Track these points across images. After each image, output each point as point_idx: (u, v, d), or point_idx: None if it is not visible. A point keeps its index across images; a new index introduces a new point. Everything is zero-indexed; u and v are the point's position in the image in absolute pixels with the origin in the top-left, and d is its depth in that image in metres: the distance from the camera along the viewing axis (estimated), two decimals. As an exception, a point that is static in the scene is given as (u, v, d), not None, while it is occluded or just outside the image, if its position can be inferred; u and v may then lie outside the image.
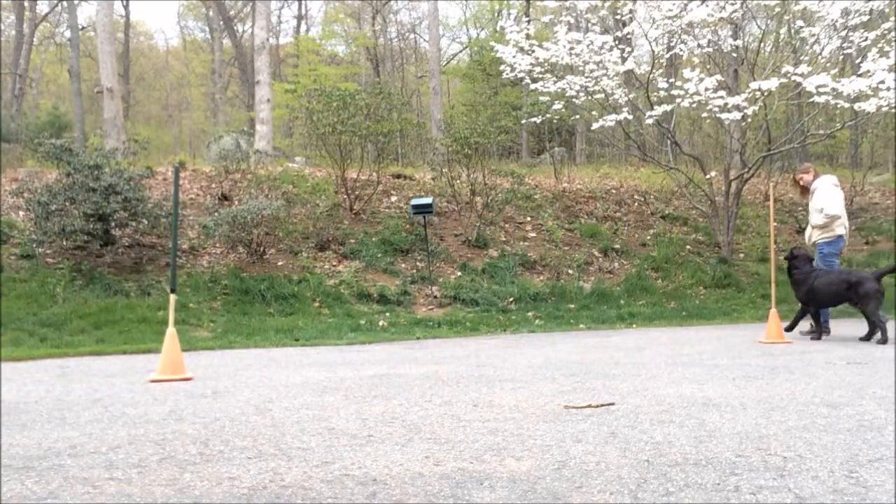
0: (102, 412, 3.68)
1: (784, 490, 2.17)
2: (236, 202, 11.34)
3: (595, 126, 12.45)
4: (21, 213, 10.46)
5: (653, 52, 12.69)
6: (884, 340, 6.87)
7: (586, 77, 11.81)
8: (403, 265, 11.14)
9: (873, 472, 2.37)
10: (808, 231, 8.25)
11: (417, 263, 11.21)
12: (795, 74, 10.68)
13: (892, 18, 11.27)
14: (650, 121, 12.03)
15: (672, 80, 12.08)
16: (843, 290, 7.24)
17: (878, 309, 7.17)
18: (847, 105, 11.05)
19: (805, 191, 8.32)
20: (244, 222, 9.93)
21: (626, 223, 13.90)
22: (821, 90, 10.49)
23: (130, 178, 9.80)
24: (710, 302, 11.14)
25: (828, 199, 7.90)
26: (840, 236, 7.98)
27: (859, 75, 10.80)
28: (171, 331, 5.16)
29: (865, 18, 11.10)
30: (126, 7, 33.29)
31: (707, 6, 11.16)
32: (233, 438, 2.98)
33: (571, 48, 11.67)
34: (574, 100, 12.29)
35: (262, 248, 10.42)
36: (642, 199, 15.18)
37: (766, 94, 11.36)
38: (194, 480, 2.35)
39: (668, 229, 13.86)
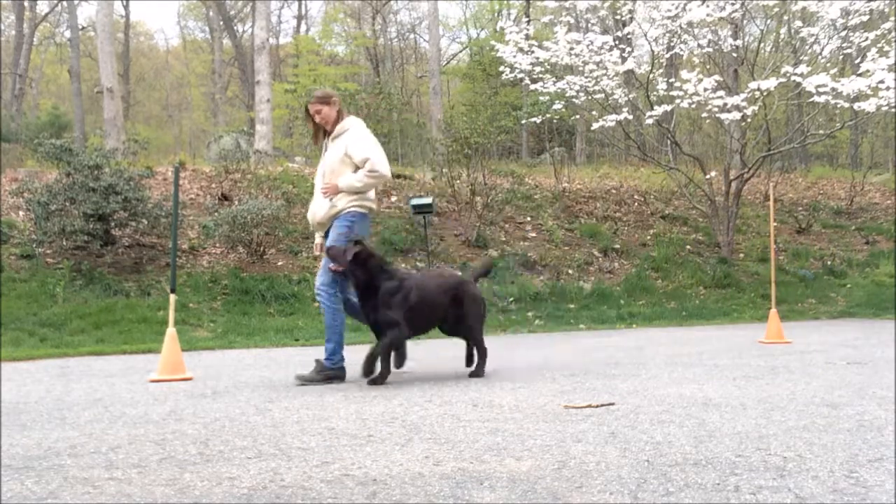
0: (102, 412, 3.68)
1: (784, 490, 2.17)
2: (236, 202, 11.34)
3: (595, 126, 12.46)
4: (21, 213, 10.46)
5: (653, 52, 12.69)
6: (479, 373, 4.85)
7: (586, 77, 11.81)
8: (403, 265, 11.14)
9: (873, 472, 2.37)
10: (322, 201, 4.91)
11: (417, 263, 11.21)
12: (795, 74, 10.69)
13: (892, 18, 11.27)
14: (650, 121, 12.03)
15: (672, 80, 12.09)
16: (443, 307, 4.79)
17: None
18: (847, 105, 11.06)
19: (319, 130, 5.06)
20: (244, 222, 9.93)
21: (626, 223, 13.90)
22: (820, 90, 10.50)
23: (130, 178, 9.80)
24: (710, 302, 11.14)
25: (373, 147, 4.86)
26: (369, 210, 4.99)
27: (859, 75, 10.80)
28: (171, 331, 5.16)
29: (865, 18, 11.10)
30: (126, 7, 33.28)
31: (707, 6, 11.16)
32: (233, 438, 2.98)
33: (571, 48, 11.67)
34: (574, 100, 12.29)
35: (262, 248, 10.42)
36: (642, 199, 15.18)
37: (765, 94, 11.36)
38: (194, 480, 2.35)
39: (668, 229, 13.86)
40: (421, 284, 4.72)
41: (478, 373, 4.84)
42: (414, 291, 4.61)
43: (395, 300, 4.55)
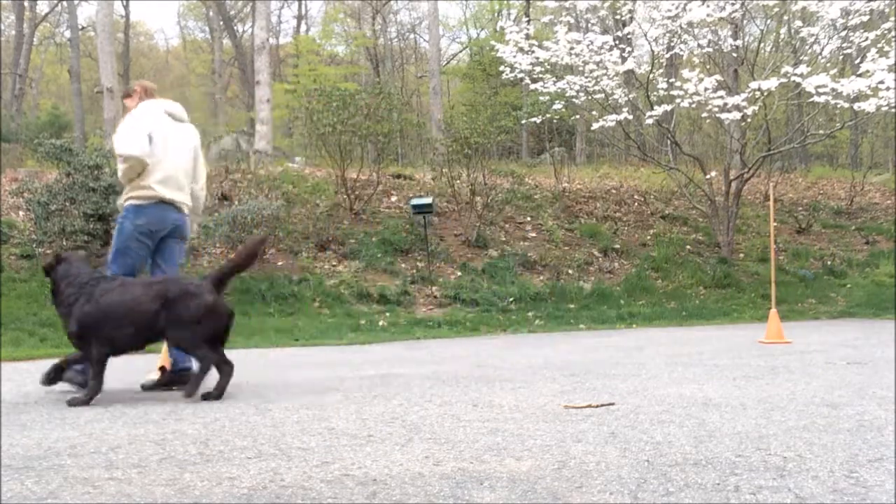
0: (102, 412, 3.68)
1: (784, 490, 2.17)
2: (236, 202, 11.34)
3: (595, 126, 12.46)
4: (21, 213, 10.46)
5: (653, 52, 12.70)
6: (190, 392, 3.97)
7: (586, 77, 11.82)
8: (403, 265, 11.14)
9: (873, 472, 2.36)
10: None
11: (417, 263, 11.21)
12: (795, 74, 10.69)
13: (892, 18, 11.28)
14: (650, 121, 12.03)
15: (672, 80, 12.10)
16: (152, 315, 3.91)
17: (224, 342, 4.10)
18: (847, 105, 11.06)
19: None
20: (244, 222, 9.94)
21: (626, 223, 13.90)
22: (820, 90, 10.50)
23: (130, 178, 9.80)
24: (710, 302, 11.14)
25: (121, 130, 4.32)
26: (160, 202, 4.41)
27: (859, 75, 10.81)
28: (171, 331, 5.14)
29: (865, 18, 11.10)
30: (126, 7, 33.25)
31: (707, 6, 11.17)
32: (233, 438, 2.98)
33: (571, 48, 11.68)
34: (574, 100, 12.30)
35: (262, 248, 10.42)
36: (642, 199, 15.18)
37: (765, 94, 11.36)
38: (194, 480, 2.35)
39: (668, 229, 13.86)
40: (111, 288, 3.92)
41: (210, 393, 3.99)
42: (98, 296, 3.85)
43: (77, 308, 3.86)
